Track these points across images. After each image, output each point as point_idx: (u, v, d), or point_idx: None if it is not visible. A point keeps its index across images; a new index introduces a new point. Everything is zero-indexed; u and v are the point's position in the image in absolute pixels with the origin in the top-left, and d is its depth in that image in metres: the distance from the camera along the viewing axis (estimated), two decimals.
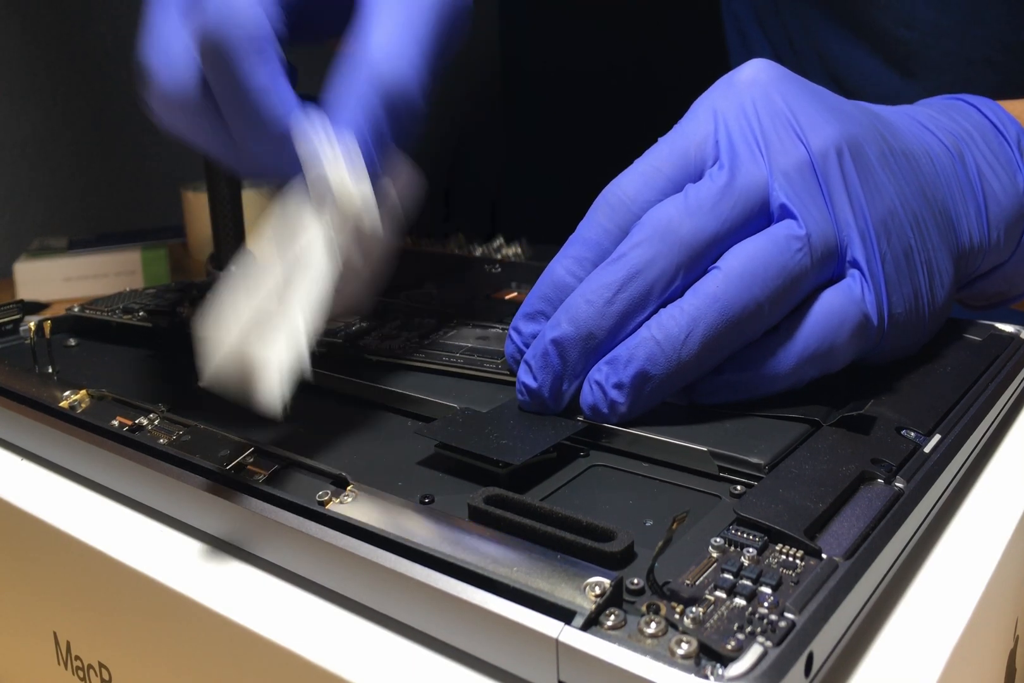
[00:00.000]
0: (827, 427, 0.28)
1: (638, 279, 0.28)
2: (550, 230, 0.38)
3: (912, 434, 0.27)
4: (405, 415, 0.31)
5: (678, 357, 0.27)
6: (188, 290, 0.43)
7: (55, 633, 0.29)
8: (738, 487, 0.25)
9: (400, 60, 0.28)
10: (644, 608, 0.20)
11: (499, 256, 0.52)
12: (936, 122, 0.35)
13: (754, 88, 0.31)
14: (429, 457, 0.28)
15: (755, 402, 0.29)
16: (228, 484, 0.25)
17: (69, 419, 0.30)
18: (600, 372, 0.28)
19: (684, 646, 0.18)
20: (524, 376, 0.29)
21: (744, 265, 0.28)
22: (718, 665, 0.18)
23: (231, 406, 0.32)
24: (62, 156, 0.84)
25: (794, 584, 0.20)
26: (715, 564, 0.21)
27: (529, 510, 0.23)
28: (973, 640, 0.23)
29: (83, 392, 0.32)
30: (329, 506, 0.24)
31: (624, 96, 1.02)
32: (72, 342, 0.39)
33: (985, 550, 0.25)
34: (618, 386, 0.28)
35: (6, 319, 0.39)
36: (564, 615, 0.19)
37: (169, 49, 0.28)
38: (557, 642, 0.19)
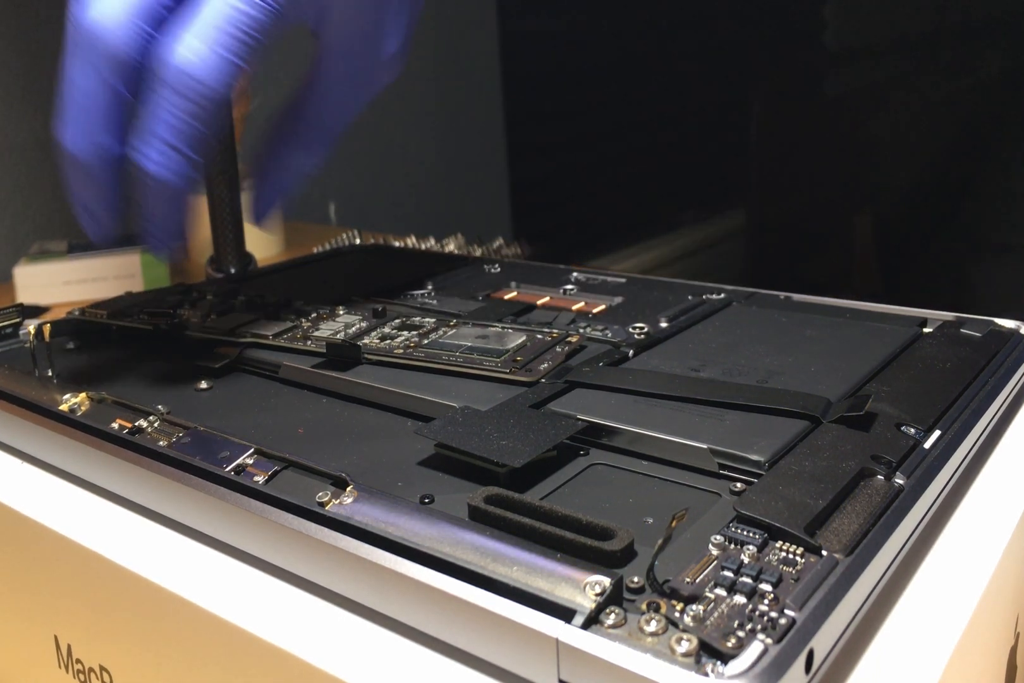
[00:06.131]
0: (827, 424, 0.28)
1: None
2: (551, 231, 0.38)
3: (912, 430, 0.27)
4: (405, 415, 0.31)
5: None
6: (188, 293, 0.43)
7: (56, 636, 0.29)
8: (738, 484, 0.25)
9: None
10: (644, 606, 0.20)
11: (499, 256, 0.52)
12: None
13: None
14: (429, 457, 0.28)
15: (754, 397, 0.29)
16: (228, 486, 0.25)
17: (69, 422, 0.30)
18: None
19: (684, 644, 0.18)
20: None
21: None
22: (718, 663, 0.18)
23: (230, 408, 0.32)
24: None
25: (794, 581, 0.20)
26: (715, 562, 0.21)
27: (529, 509, 0.23)
28: (974, 637, 0.23)
29: (83, 395, 0.32)
30: (329, 507, 0.24)
31: (624, 96, 1.02)
32: (72, 345, 0.39)
33: (986, 546, 0.25)
34: None
35: (6, 323, 0.39)
36: (564, 614, 0.19)
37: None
38: (557, 641, 0.19)
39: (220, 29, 0.32)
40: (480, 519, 0.23)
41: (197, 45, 0.32)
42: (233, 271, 0.52)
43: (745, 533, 0.22)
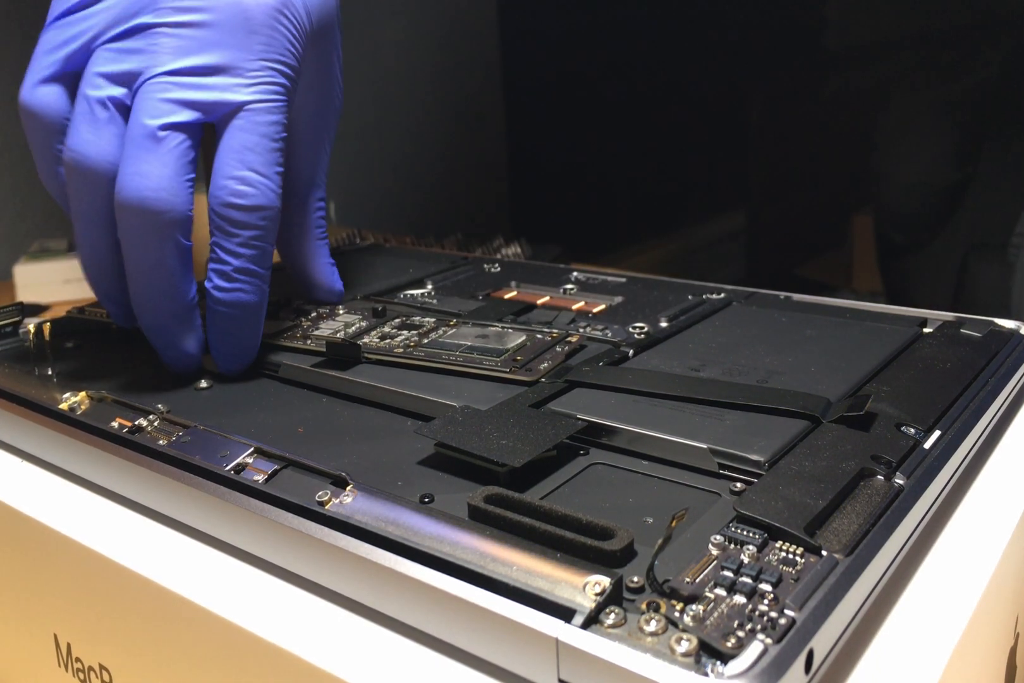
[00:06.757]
0: (827, 424, 0.27)
1: None
2: (551, 231, 0.38)
3: (912, 430, 0.27)
4: (405, 414, 0.31)
5: None
6: None
7: (55, 635, 0.29)
8: (738, 484, 0.25)
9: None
10: (644, 606, 0.20)
11: (499, 256, 0.52)
12: None
13: None
14: (429, 457, 0.28)
15: (754, 397, 0.29)
16: (228, 485, 0.25)
17: (69, 421, 0.30)
18: None
19: (684, 644, 0.18)
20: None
21: None
22: (718, 663, 0.18)
23: (230, 407, 0.32)
24: None
25: (794, 581, 0.20)
26: (715, 562, 0.21)
27: (529, 509, 0.23)
28: (974, 637, 0.23)
29: (83, 394, 0.32)
30: (329, 506, 0.24)
31: (624, 96, 1.02)
32: (71, 344, 0.39)
33: (986, 546, 0.25)
34: None
35: (6, 321, 0.39)
36: (564, 614, 0.19)
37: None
38: (557, 641, 0.19)
39: (262, 149, 0.32)
40: (480, 519, 0.23)
41: (249, 175, 0.32)
42: None
43: (745, 533, 0.22)
